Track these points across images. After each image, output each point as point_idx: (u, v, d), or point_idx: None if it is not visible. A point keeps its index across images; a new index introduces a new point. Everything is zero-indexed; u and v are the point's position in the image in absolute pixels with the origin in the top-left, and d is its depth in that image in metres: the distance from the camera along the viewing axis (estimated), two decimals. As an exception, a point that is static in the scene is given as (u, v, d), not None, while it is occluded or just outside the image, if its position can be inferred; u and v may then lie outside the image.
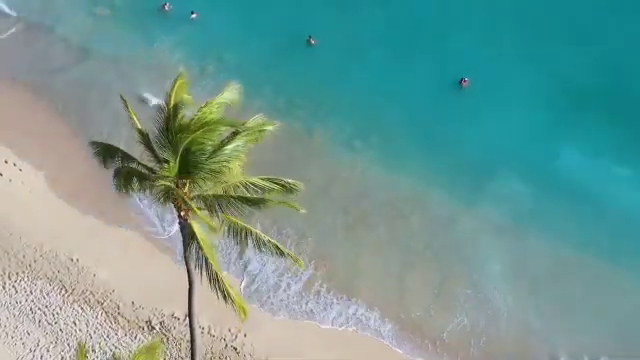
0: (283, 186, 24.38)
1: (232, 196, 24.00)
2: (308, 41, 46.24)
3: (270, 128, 24.72)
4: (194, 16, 48.66)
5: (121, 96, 26.24)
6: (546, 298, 35.20)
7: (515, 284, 35.81)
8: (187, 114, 23.69)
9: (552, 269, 36.27)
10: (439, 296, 35.47)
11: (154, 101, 41.39)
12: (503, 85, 43.96)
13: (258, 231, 24.49)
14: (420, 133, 42.01)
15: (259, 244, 24.21)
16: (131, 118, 25.22)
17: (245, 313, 24.23)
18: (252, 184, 24.21)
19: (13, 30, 49.03)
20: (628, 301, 35.04)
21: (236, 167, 24.02)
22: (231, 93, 24.71)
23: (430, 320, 34.68)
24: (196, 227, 24.11)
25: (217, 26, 48.05)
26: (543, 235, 37.28)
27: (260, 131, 24.43)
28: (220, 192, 24.31)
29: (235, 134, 23.88)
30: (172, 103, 23.80)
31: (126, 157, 25.12)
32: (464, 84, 44.21)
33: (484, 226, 38.01)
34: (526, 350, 33.79)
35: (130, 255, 36.38)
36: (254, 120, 24.88)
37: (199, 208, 24.06)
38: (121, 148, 25.54)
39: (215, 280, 23.80)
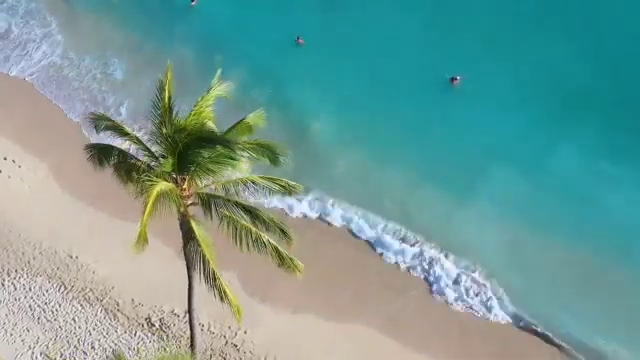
0: (283, 187, 24.26)
1: (229, 199, 23.86)
2: (296, 41, 46.35)
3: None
4: (194, 3, 49.18)
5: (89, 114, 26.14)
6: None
7: (512, 280, 35.94)
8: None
9: (548, 265, 36.22)
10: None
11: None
12: (494, 83, 43.44)
13: (258, 230, 24.07)
14: (410, 132, 41.56)
15: (258, 244, 23.89)
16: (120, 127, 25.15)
17: (240, 314, 24.08)
18: (252, 182, 24.12)
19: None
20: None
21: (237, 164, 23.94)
22: (223, 85, 24.64)
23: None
24: (195, 224, 24.00)
25: (215, 15, 48.41)
26: (538, 232, 37.19)
27: (269, 157, 24.16)
28: (220, 188, 24.21)
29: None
30: (167, 97, 23.69)
31: (124, 155, 24.98)
32: (455, 82, 43.69)
33: (475, 226, 37.94)
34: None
35: (130, 251, 36.10)
36: (254, 115, 24.77)
37: (196, 204, 23.96)
38: (117, 146, 25.41)
39: (212, 279, 23.66)
